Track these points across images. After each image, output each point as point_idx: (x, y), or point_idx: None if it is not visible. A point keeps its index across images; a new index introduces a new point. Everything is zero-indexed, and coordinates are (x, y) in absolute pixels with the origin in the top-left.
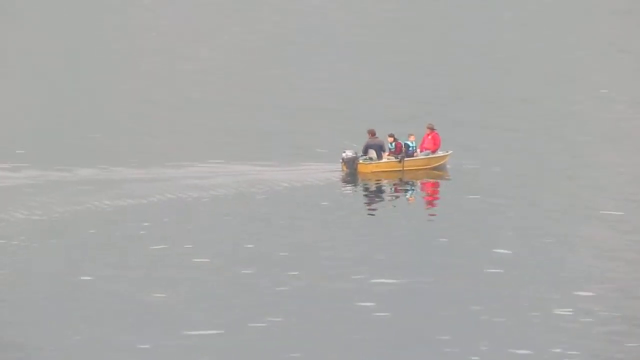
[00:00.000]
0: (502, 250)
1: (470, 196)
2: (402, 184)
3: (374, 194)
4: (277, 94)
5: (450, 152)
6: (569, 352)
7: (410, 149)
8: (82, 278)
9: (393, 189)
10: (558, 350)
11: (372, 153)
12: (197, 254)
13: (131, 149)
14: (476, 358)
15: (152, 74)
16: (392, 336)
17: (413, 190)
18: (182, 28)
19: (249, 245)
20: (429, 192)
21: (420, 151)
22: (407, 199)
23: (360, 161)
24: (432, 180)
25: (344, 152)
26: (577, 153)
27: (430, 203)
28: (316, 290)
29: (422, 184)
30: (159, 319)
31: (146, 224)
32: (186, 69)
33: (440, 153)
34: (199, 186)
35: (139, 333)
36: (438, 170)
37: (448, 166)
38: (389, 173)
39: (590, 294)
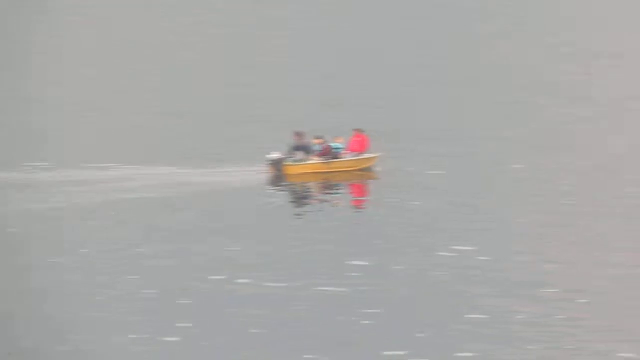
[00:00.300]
0: (436, 252)
1: (397, 198)
2: (329, 185)
3: (301, 196)
4: (203, 97)
5: (378, 154)
6: (510, 357)
7: (338, 150)
8: None
9: (320, 190)
10: (503, 355)
11: (299, 154)
12: (118, 261)
13: (48, 150)
14: None
15: (76, 75)
16: (323, 341)
17: (340, 191)
18: (107, 26)
19: (173, 249)
20: (355, 193)
21: (348, 153)
22: (334, 201)
23: (287, 163)
24: (359, 182)
25: (270, 153)
26: (519, 155)
27: (358, 205)
28: (242, 294)
29: (349, 185)
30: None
31: (58, 228)
32: (114, 70)
33: (368, 155)
34: (122, 189)
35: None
36: (365, 172)
37: (377, 168)
38: (316, 175)
39: (529, 296)
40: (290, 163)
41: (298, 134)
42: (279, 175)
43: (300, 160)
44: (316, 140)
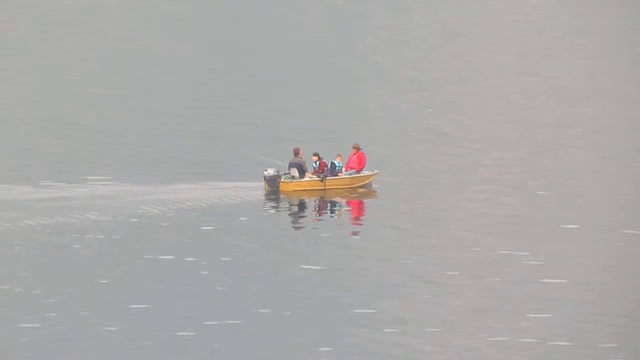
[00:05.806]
0: (428, 270)
1: (393, 215)
2: (324, 202)
3: (296, 213)
4: (202, 112)
5: (376, 171)
6: None
7: (337, 168)
8: None
9: (315, 207)
10: None
11: (294, 171)
12: (121, 276)
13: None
14: None
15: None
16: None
17: (335, 209)
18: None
19: (171, 260)
20: (351, 211)
21: (346, 170)
22: (330, 217)
23: (282, 179)
24: (355, 200)
25: (266, 170)
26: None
27: (353, 222)
28: (238, 310)
29: (345, 203)
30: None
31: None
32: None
33: (365, 172)
34: (110, 206)
35: None
36: (362, 190)
37: (375, 186)
38: (311, 192)
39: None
40: (286, 180)
41: (295, 151)
42: (274, 191)
43: (296, 177)
44: (314, 157)
